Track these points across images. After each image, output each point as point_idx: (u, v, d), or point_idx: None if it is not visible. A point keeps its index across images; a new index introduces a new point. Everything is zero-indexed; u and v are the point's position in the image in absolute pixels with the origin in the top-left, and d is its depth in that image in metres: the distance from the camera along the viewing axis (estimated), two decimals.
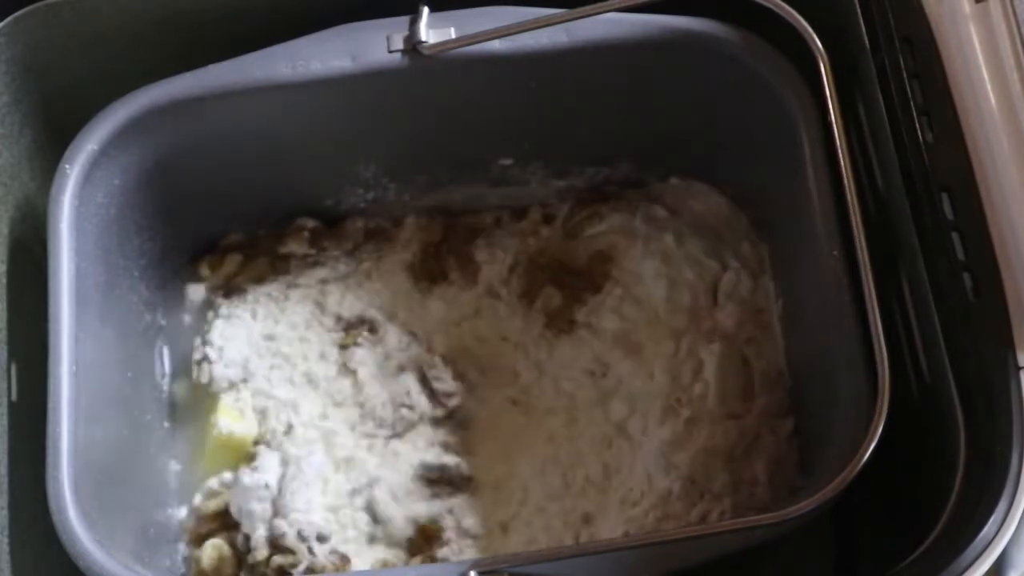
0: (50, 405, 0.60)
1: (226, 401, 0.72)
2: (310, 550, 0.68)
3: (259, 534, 0.68)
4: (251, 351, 0.74)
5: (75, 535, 0.57)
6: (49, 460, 0.59)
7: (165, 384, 0.74)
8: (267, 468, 0.70)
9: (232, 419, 0.72)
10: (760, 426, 0.69)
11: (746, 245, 0.74)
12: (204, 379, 0.73)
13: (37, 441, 0.59)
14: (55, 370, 0.60)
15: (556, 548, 0.66)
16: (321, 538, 0.68)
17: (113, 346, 0.67)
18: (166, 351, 0.74)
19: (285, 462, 0.70)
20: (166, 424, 0.73)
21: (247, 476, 0.70)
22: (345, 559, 0.68)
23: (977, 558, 0.50)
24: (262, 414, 0.72)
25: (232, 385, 0.73)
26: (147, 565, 0.64)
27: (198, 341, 0.75)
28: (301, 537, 0.68)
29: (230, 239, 0.77)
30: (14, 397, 0.64)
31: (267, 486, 0.69)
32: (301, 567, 0.68)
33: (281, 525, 0.68)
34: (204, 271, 0.76)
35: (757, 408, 0.69)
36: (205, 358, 0.74)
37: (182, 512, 0.71)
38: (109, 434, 0.65)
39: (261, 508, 0.69)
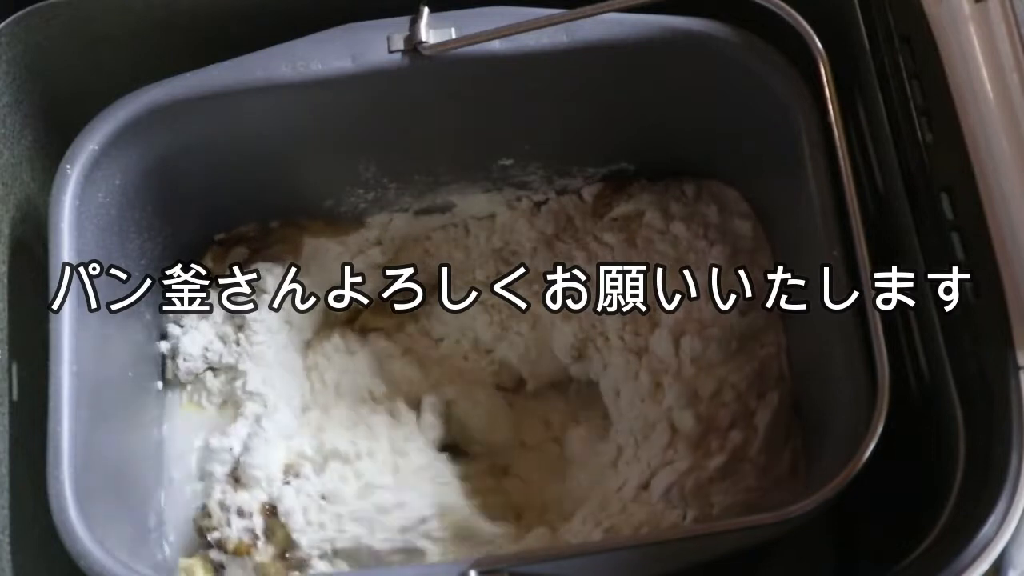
0: (50, 405, 0.60)
1: (185, 397, 0.74)
2: (228, 522, 0.68)
3: (215, 499, 0.69)
4: (214, 338, 0.74)
5: (75, 535, 0.57)
6: (50, 460, 0.59)
7: (164, 384, 0.74)
8: (235, 433, 0.71)
9: (193, 412, 0.73)
10: (792, 474, 0.66)
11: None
12: (170, 375, 0.74)
13: (37, 441, 0.60)
14: (55, 370, 0.60)
15: (556, 548, 0.66)
16: (241, 512, 0.68)
17: (113, 346, 0.67)
18: (166, 351, 0.74)
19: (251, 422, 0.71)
20: (166, 423, 0.73)
21: (215, 439, 0.71)
22: (255, 538, 0.67)
23: (977, 558, 0.50)
24: (226, 400, 0.73)
25: (197, 376, 0.74)
26: (148, 564, 0.64)
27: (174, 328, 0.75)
28: (223, 507, 0.68)
29: (239, 231, 0.77)
30: (15, 397, 0.64)
31: (231, 450, 0.70)
32: (214, 534, 0.68)
33: (215, 490, 0.69)
34: (208, 263, 0.76)
35: (788, 452, 0.67)
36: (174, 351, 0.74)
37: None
38: (110, 434, 0.65)
39: (222, 471, 0.70)
